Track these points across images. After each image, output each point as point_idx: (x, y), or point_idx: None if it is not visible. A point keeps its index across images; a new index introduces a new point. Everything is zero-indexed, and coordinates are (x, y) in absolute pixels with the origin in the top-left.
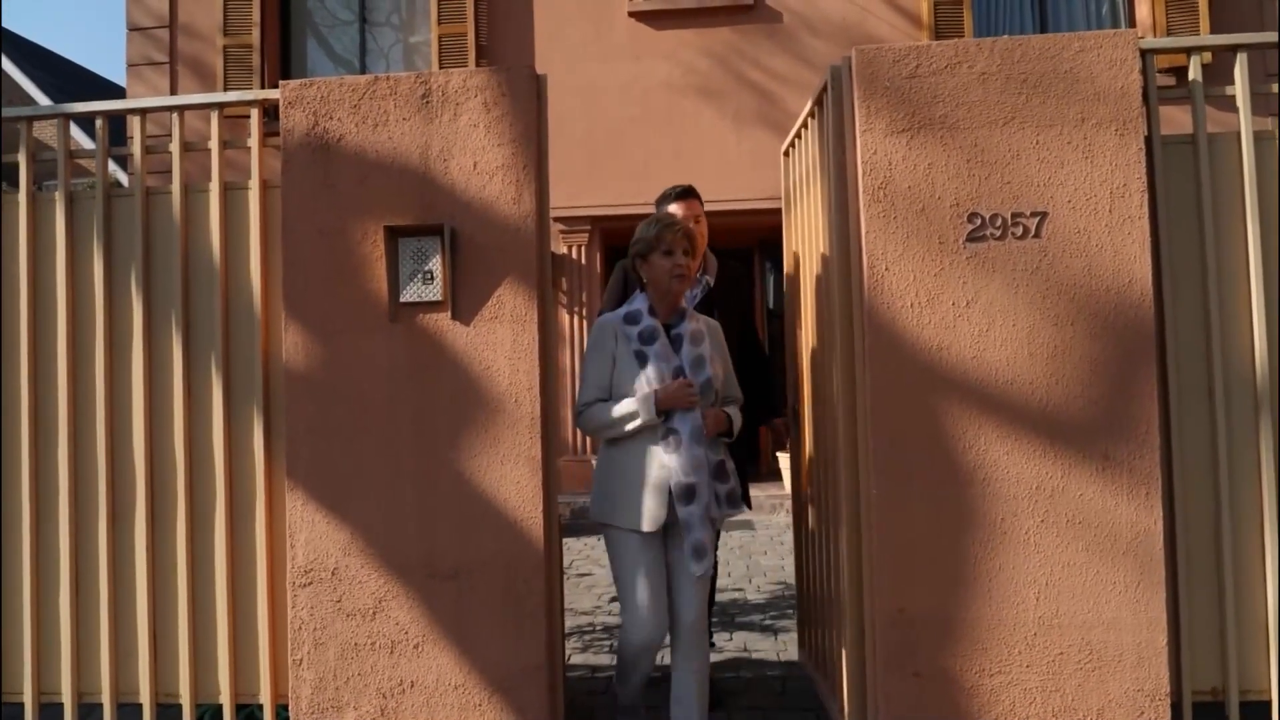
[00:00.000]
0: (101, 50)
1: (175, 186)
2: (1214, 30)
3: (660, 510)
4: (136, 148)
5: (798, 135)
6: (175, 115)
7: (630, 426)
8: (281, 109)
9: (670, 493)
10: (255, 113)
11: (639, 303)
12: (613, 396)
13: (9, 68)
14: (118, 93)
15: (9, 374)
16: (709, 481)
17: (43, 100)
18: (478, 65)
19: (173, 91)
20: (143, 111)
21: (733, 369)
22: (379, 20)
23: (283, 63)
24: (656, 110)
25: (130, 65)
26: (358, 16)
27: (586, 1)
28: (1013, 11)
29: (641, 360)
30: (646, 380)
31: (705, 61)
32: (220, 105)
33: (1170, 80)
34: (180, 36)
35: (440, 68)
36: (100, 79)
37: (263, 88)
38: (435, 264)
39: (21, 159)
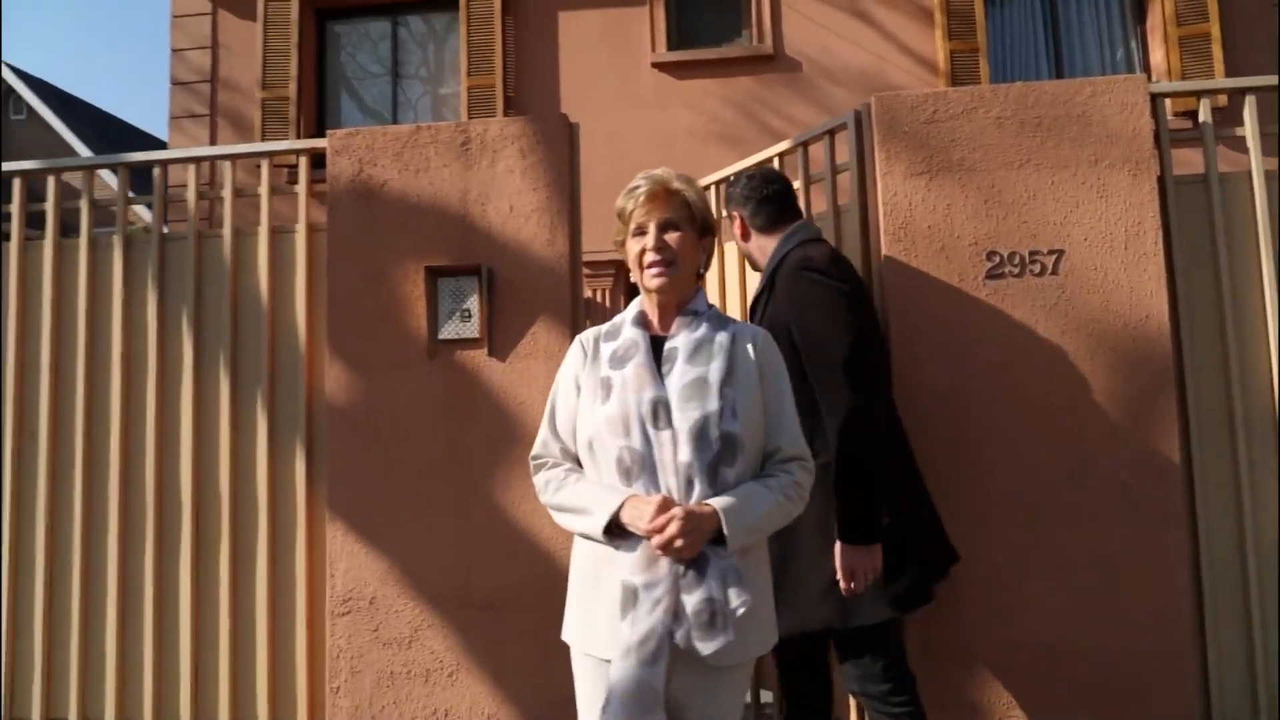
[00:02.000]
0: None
1: (226, 230)
2: (1228, 73)
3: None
4: (190, 194)
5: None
6: (229, 164)
7: (575, 528)
8: (329, 157)
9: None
10: (303, 160)
11: (631, 309)
12: (576, 446)
13: (51, 118)
14: (150, 141)
15: (65, 409)
16: (671, 586)
17: (81, 149)
18: (506, 115)
19: (212, 142)
20: (196, 160)
21: (793, 407)
22: (409, 73)
23: (318, 115)
24: (680, 158)
25: (173, 118)
26: (389, 70)
27: (611, 53)
28: (1028, 58)
29: (605, 391)
30: (606, 421)
31: (727, 110)
32: (270, 154)
33: (1187, 123)
34: (221, 91)
35: (469, 119)
36: (129, 126)
37: (298, 137)
38: (473, 303)
39: (84, 206)
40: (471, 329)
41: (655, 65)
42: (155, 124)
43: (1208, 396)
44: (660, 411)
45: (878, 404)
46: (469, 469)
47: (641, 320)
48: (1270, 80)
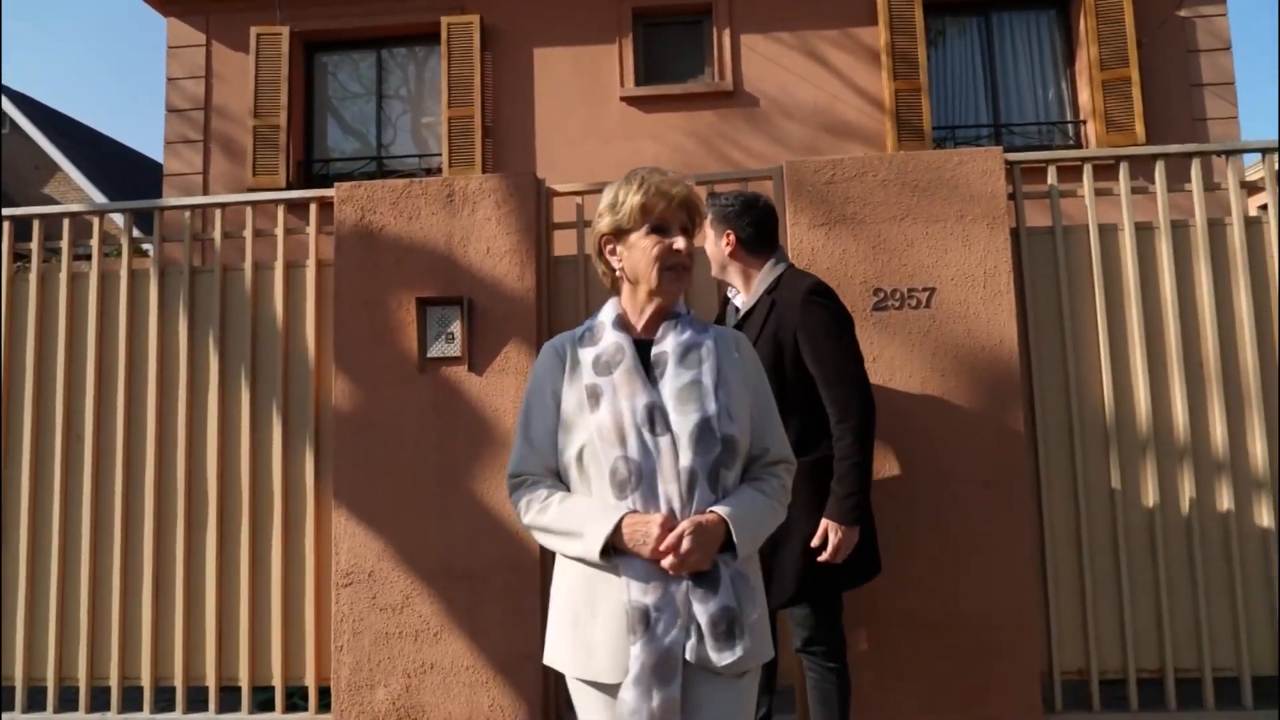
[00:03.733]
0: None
1: (247, 265)
2: (1146, 113)
3: (623, 649)
4: (217, 235)
5: None
6: (249, 209)
7: (566, 551)
8: (336, 205)
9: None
10: (314, 206)
11: (605, 312)
12: (560, 460)
13: (34, 133)
14: (140, 160)
15: (106, 415)
16: (684, 600)
17: (67, 165)
18: (484, 146)
19: (205, 167)
20: (222, 205)
21: (775, 410)
22: (392, 103)
23: (306, 142)
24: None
25: (168, 143)
26: (374, 100)
27: (583, 87)
28: (967, 98)
29: (594, 400)
30: (599, 431)
31: (690, 142)
32: (286, 201)
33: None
34: (214, 118)
35: (450, 147)
36: (121, 145)
37: (288, 164)
38: (455, 327)
39: (125, 243)
40: (454, 349)
41: (624, 99)
42: (142, 141)
43: (1052, 407)
44: (657, 416)
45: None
46: (452, 464)
47: (622, 323)
48: (1106, 151)
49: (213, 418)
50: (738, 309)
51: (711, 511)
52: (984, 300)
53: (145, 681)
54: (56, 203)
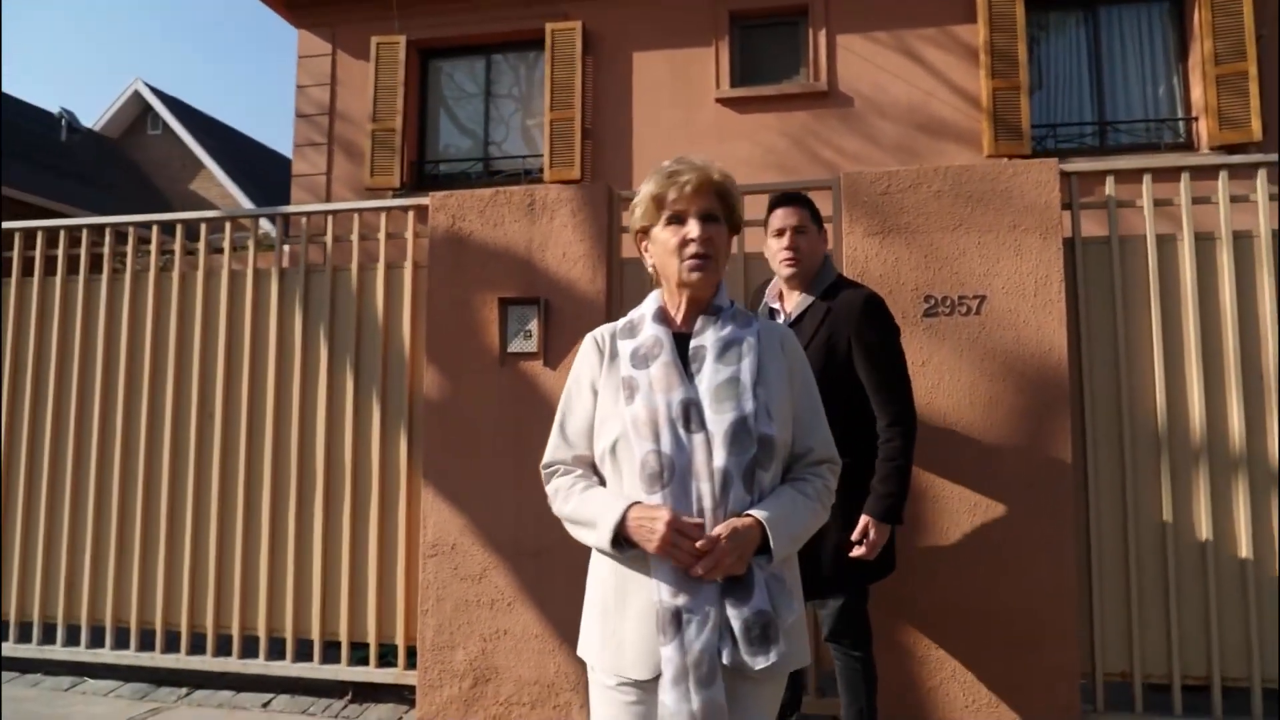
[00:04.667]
0: (248, 114)
1: (353, 266)
2: (1263, 109)
3: (653, 648)
4: (329, 238)
5: None
6: (355, 216)
7: (585, 541)
8: (430, 212)
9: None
10: (411, 214)
11: (647, 304)
12: (595, 451)
13: (182, 132)
14: (269, 155)
15: (233, 397)
16: (716, 603)
17: (208, 161)
18: (583, 148)
19: (328, 168)
20: (333, 212)
21: (820, 409)
22: (499, 105)
23: (420, 144)
24: (740, 185)
25: (296, 146)
26: (482, 103)
27: (679, 89)
28: (1071, 95)
29: (629, 392)
30: (633, 424)
31: (783, 142)
32: (388, 208)
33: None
34: (337, 122)
35: (551, 149)
36: (252, 140)
37: (402, 166)
38: (533, 325)
39: (251, 245)
40: (532, 345)
41: (719, 100)
42: (267, 135)
43: (1103, 413)
44: (692, 413)
45: None
46: (526, 450)
47: (662, 316)
48: (1163, 161)
49: (321, 402)
50: (773, 310)
51: (748, 514)
52: (1034, 309)
53: (261, 632)
54: (202, 199)
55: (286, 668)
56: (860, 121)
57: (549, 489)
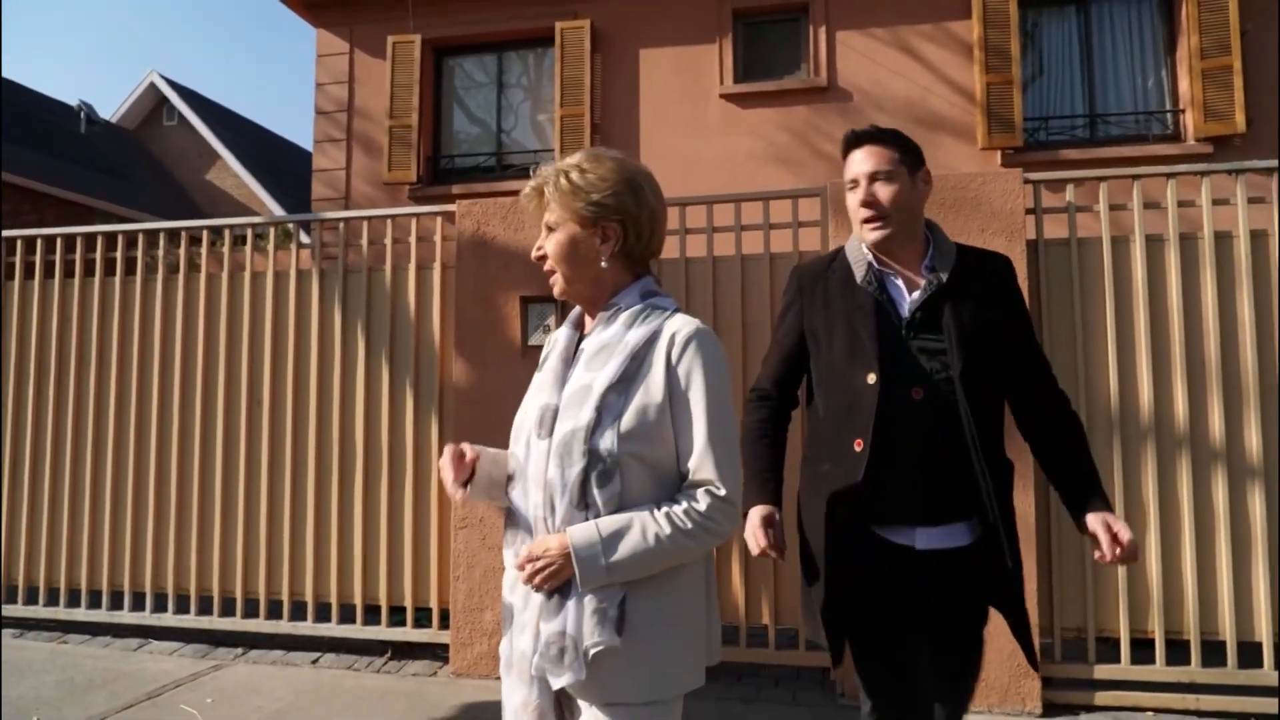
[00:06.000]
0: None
1: (387, 267)
2: (1247, 105)
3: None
4: (364, 242)
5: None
6: (389, 221)
7: None
8: (457, 218)
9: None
10: (440, 220)
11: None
12: None
13: (197, 123)
14: (288, 148)
15: (280, 384)
16: (536, 611)
17: (225, 154)
18: (592, 142)
19: (348, 163)
20: (368, 218)
21: (718, 425)
22: (511, 101)
23: (434, 138)
24: (743, 178)
25: (316, 142)
26: (494, 98)
27: (684, 85)
28: (1063, 88)
29: (530, 392)
30: (516, 425)
31: (784, 136)
32: (418, 215)
33: (1207, 149)
34: (355, 119)
35: (562, 144)
36: (271, 134)
37: (418, 160)
38: (551, 320)
39: (294, 248)
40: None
41: (723, 96)
42: (280, 124)
43: None
44: (546, 420)
45: None
46: None
47: (578, 319)
48: (1122, 172)
49: (360, 391)
50: (883, 275)
51: (565, 532)
52: None
53: (308, 597)
54: (218, 188)
55: (332, 629)
56: (859, 116)
57: None
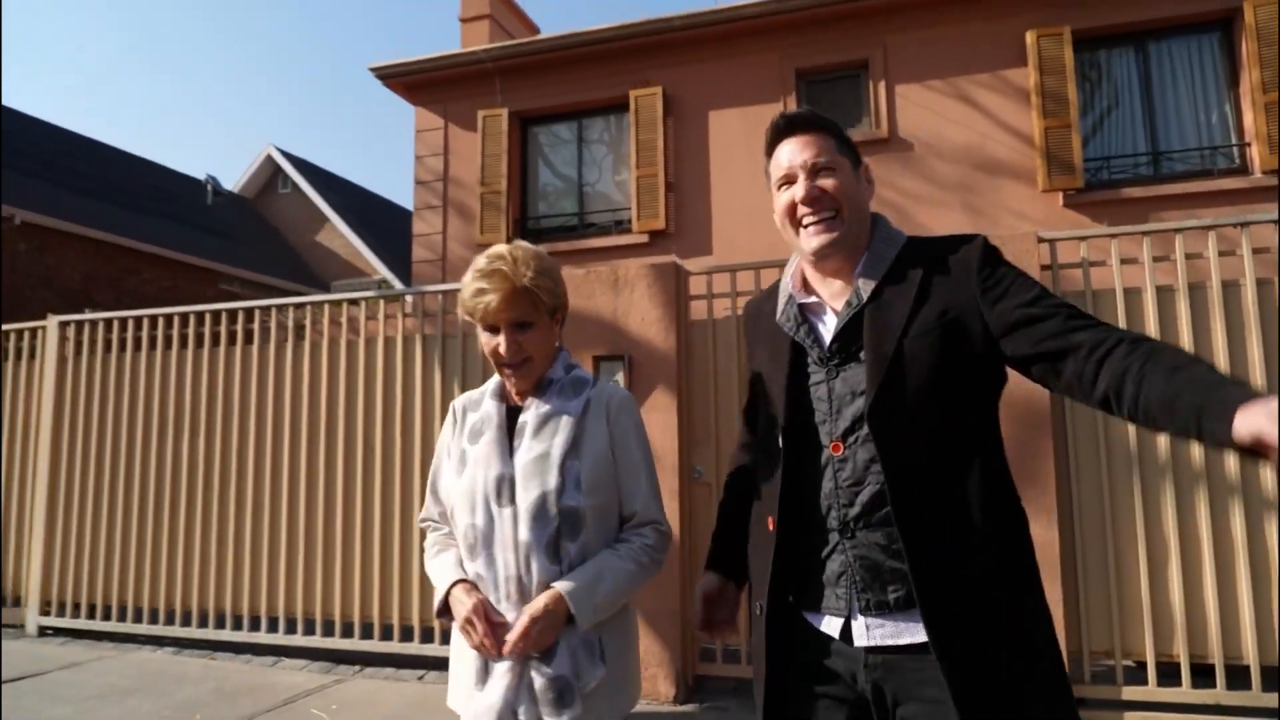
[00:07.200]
0: (370, 172)
1: (460, 334)
2: None
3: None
4: (459, 312)
5: None
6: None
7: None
8: None
9: None
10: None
11: (492, 380)
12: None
13: (310, 191)
14: (391, 209)
15: (389, 440)
16: (521, 661)
17: (335, 219)
18: (667, 198)
19: (444, 227)
20: (443, 293)
21: (649, 472)
22: (591, 164)
23: (522, 202)
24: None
25: (416, 210)
26: (575, 163)
27: (752, 144)
28: (1124, 129)
29: (461, 465)
30: (458, 496)
31: None
32: None
33: (1273, 181)
34: (450, 187)
35: (639, 203)
36: (375, 196)
37: (508, 223)
38: (620, 376)
39: (400, 318)
40: None
41: None
42: (380, 185)
43: (1084, 433)
44: (504, 489)
45: None
46: None
47: (500, 392)
48: (1131, 229)
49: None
50: (802, 306)
51: (554, 586)
52: None
53: (414, 621)
54: (326, 248)
55: (436, 649)
56: (920, 164)
57: (426, 543)
